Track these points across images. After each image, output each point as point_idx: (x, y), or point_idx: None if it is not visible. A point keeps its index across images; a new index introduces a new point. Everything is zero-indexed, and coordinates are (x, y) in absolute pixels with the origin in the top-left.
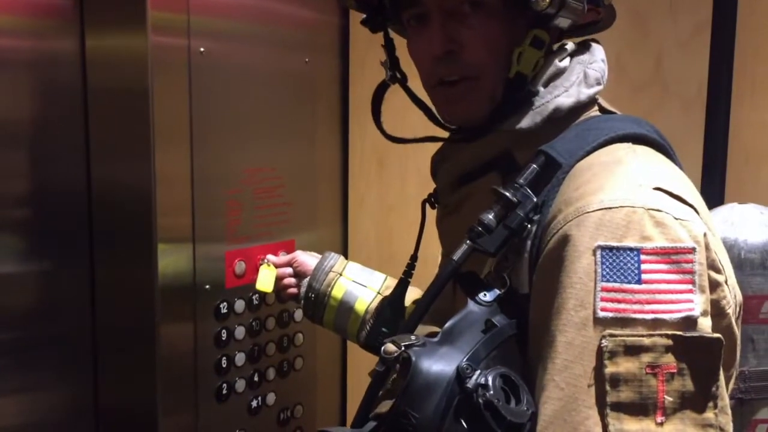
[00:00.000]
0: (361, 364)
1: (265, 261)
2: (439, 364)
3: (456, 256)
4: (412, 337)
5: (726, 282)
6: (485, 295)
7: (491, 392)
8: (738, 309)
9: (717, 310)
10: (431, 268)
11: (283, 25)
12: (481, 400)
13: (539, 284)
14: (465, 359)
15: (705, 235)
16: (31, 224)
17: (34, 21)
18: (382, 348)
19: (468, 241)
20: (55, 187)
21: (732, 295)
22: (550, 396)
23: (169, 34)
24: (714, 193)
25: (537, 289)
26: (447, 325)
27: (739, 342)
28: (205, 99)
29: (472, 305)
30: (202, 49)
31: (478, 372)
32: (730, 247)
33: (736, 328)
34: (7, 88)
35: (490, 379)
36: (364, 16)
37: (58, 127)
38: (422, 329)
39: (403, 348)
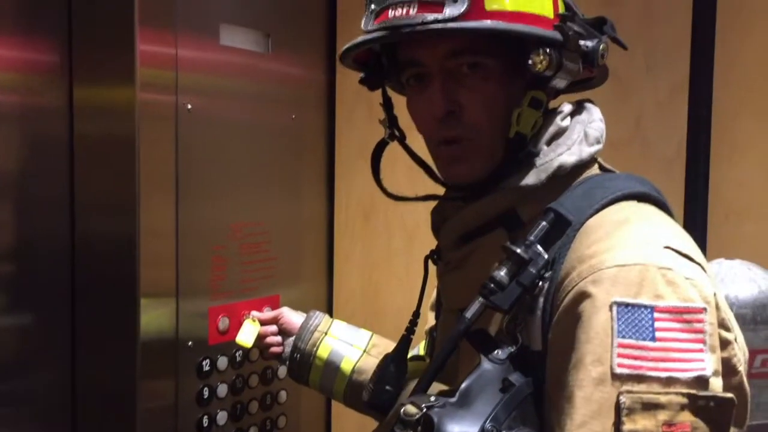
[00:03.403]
0: (346, 424)
1: (250, 316)
2: (462, 426)
3: (469, 314)
4: (432, 398)
5: (735, 339)
6: (498, 353)
7: None
8: (747, 366)
9: (728, 368)
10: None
11: (271, 82)
12: None
13: (556, 341)
14: (488, 421)
15: (715, 294)
16: (11, 276)
17: (24, 77)
18: (402, 410)
19: (481, 298)
20: (38, 238)
21: (741, 353)
22: None
23: (157, 90)
24: None
25: (554, 346)
26: (463, 385)
27: (749, 398)
28: (192, 154)
29: (486, 363)
30: (189, 106)
31: None
32: None
33: (746, 384)
34: None
35: None
36: (360, 75)
37: (43, 179)
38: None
39: (424, 409)
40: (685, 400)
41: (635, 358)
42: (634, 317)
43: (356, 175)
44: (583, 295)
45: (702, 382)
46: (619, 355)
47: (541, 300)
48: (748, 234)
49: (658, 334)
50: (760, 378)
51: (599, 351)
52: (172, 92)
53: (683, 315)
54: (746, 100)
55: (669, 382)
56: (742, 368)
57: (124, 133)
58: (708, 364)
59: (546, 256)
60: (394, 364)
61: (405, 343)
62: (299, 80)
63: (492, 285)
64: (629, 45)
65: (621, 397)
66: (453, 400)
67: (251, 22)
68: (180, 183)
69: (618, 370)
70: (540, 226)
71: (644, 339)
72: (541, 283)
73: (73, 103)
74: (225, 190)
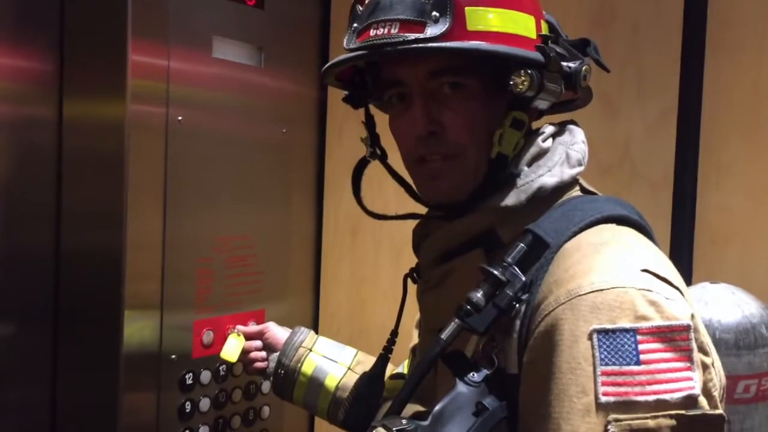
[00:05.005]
0: None
1: (235, 330)
2: None
3: (444, 335)
4: (403, 422)
5: (713, 364)
6: (474, 375)
7: None
8: (722, 392)
9: (704, 393)
10: (403, 341)
11: (262, 97)
12: None
13: (532, 366)
14: None
15: (693, 316)
16: None
17: (14, 86)
18: None
19: (456, 320)
20: (23, 248)
21: (717, 378)
22: None
23: (147, 102)
24: (682, 274)
25: (530, 371)
26: (437, 408)
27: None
28: (181, 166)
29: (460, 386)
30: (179, 118)
31: None
32: (705, 327)
33: (721, 410)
34: None
35: None
36: (345, 92)
37: (31, 189)
38: (406, 408)
39: None
40: (673, 422)
41: (620, 384)
42: (616, 343)
43: (345, 191)
44: (561, 323)
45: (691, 400)
46: (603, 383)
47: (518, 323)
48: (734, 259)
49: (642, 357)
50: (743, 404)
51: (582, 381)
52: (163, 104)
53: (667, 334)
54: (734, 125)
55: (657, 405)
56: (716, 393)
57: (113, 144)
58: (696, 381)
59: (523, 278)
60: (371, 383)
61: (382, 361)
62: (291, 95)
63: (468, 306)
64: (618, 68)
65: (609, 427)
66: (425, 423)
67: (244, 35)
68: (168, 195)
69: (603, 399)
70: (518, 248)
71: (628, 364)
72: (518, 305)
73: (63, 113)
74: (213, 202)
